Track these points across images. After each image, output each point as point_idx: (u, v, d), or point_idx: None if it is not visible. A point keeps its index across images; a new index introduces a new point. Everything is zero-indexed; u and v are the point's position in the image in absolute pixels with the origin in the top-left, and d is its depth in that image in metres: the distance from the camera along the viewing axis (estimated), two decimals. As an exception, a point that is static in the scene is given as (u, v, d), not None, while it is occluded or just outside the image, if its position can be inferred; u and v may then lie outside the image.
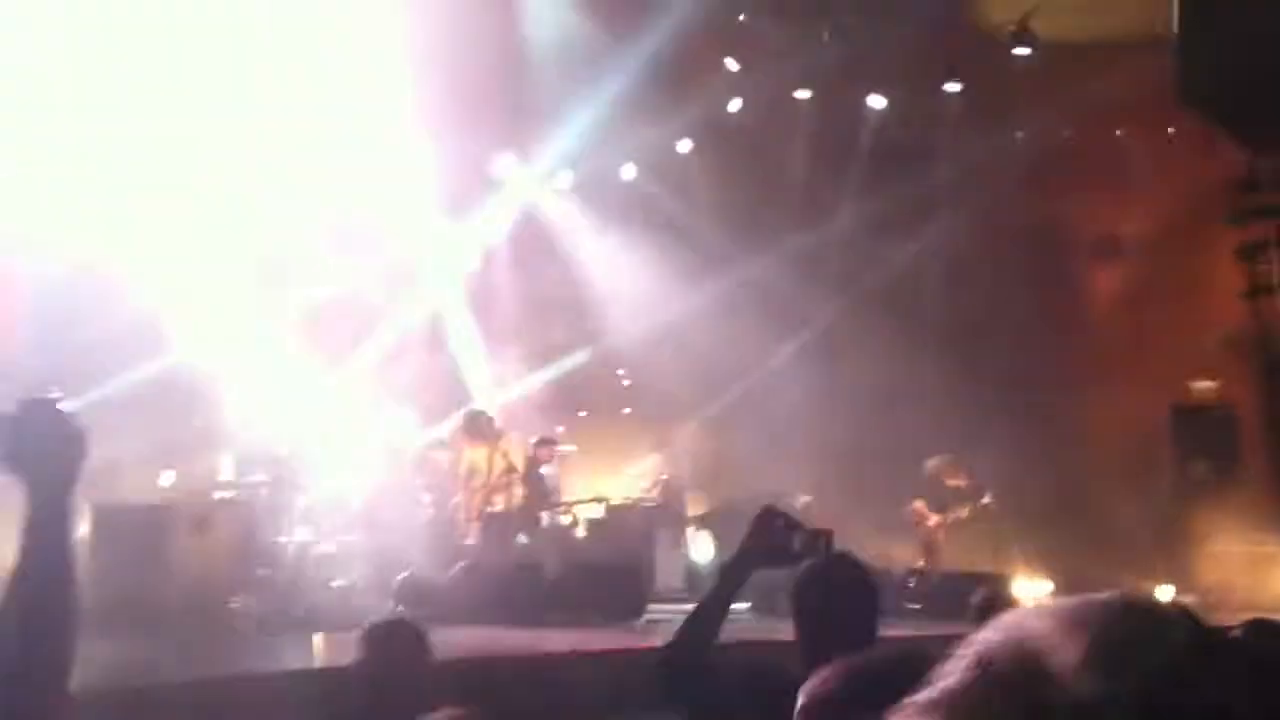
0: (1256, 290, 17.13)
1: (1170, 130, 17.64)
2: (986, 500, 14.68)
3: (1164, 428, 17.08)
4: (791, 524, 3.48)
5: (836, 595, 3.48)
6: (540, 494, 13.60)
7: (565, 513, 14.60)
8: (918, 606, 13.02)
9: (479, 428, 12.47)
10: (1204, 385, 16.92)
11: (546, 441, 13.68)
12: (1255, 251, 17.18)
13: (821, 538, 3.53)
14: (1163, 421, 17.08)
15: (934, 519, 14.85)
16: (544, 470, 13.66)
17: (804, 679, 3.27)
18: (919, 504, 14.91)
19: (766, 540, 3.45)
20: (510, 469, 12.47)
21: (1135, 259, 18.15)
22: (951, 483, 14.90)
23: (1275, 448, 16.38)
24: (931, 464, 15.02)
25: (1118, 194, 18.07)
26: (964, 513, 14.69)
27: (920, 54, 16.52)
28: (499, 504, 12.75)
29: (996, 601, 6.39)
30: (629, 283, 17.57)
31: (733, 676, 3.50)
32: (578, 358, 17.32)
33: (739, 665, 3.60)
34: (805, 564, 3.58)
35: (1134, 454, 16.29)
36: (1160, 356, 17.11)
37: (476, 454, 12.48)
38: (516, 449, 12.84)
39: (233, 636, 9.66)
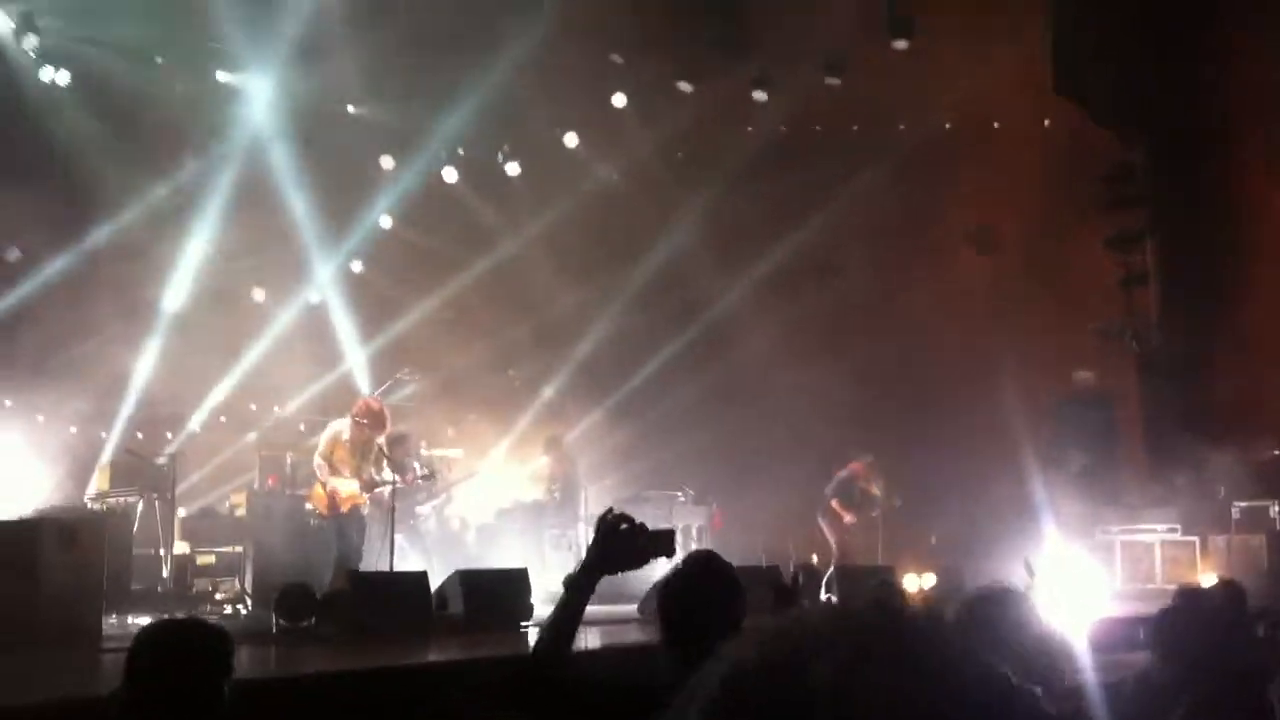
0: (1130, 280, 17.54)
1: (1046, 122, 18.00)
2: (897, 503, 15.27)
3: (1044, 417, 17.39)
4: (635, 528, 3.46)
5: (699, 592, 3.49)
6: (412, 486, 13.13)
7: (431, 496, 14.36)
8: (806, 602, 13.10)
9: (365, 416, 12.02)
10: (1083, 375, 17.24)
11: (400, 438, 13.14)
12: (1127, 242, 17.58)
13: (664, 537, 3.52)
14: (1042, 411, 17.38)
15: (848, 518, 15.17)
16: (408, 461, 13.17)
17: (673, 679, 3.25)
18: (835, 503, 15.23)
19: (611, 546, 3.43)
20: (380, 459, 12.07)
21: (1013, 250, 18.46)
22: (868, 485, 15.36)
23: (1151, 435, 16.78)
24: (852, 465, 15.38)
25: (995, 185, 18.34)
26: (875, 513, 15.23)
27: (800, 47, 16.56)
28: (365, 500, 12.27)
29: (888, 592, 6.49)
30: (511, 281, 17.48)
31: (597, 684, 3.49)
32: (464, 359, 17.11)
33: (607, 671, 3.58)
34: (667, 566, 3.58)
35: (1016, 445, 16.54)
36: (1039, 347, 17.43)
37: (356, 439, 12.01)
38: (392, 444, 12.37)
39: (105, 655, 9.31)
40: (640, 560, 3.42)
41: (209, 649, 3.42)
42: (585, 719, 3.43)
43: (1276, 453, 15.31)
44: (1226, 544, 14.52)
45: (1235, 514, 14.95)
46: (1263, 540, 14.39)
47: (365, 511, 12.07)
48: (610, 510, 3.51)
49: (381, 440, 12.08)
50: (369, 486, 11.98)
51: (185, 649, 3.39)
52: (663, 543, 3.48)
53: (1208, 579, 9.38)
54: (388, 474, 12.05)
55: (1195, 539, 14.74)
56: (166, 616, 10.51)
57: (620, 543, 3.40)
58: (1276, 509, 14.75)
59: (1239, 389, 16.36)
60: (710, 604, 3.44)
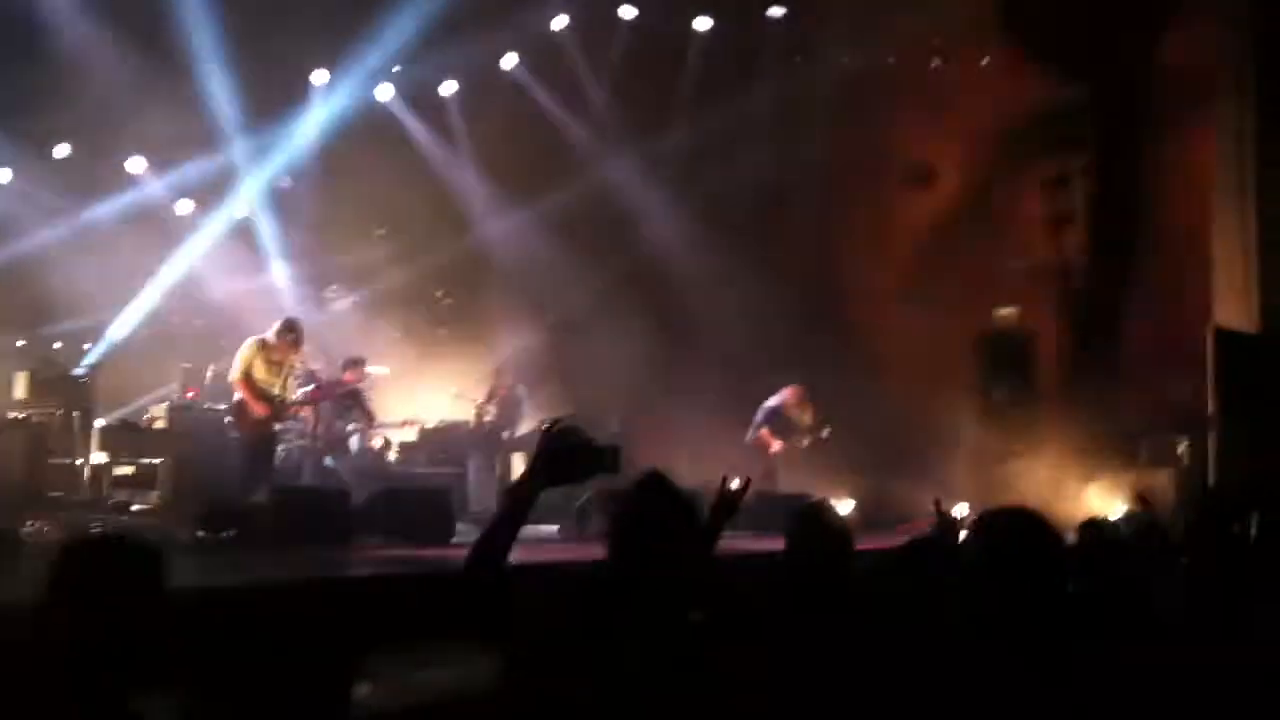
0: (1058, 219, 17.74)
1: (985, 60, 18.05)
2: (826, 434, 15.34)
3: (968, 351, 17.61)
4: (579, 441, 3.42)
5: (653, 515, 3.42)
6: (347, 415, 13.27)
7: (374, 436, 14.40)
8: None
9: (287, 334, 11.93)
10: (1006, 311, 17.47)
11: (354, 362, 13.27)
12: (1060, 182, 17.75)
13: (609, 453, 3.49)
14: (967, 345, 17.61)
15: (776, 446, 15.27)
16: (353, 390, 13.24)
17: (616, 598, 3.25)
18: (764, 431, 15.31)
19: (556, 457, 3.38)
20: (289, 380, 12.02)
21: (946, 186, 18.57)
22: (799, 415, 15.42)
23: (1071, 373, 17.07)
24: (785, 393, 15.44)
25: (932, 122, 18.42)
26: (804, 443, 15.32)
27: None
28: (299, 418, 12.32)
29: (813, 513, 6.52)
30: (445, 201, 17.31)
31: (534, 595, 3.45)
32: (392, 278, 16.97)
33: (543, 585, 3.54)
34: (618, 484, 3.54)
35: (940, 377, 16.77)
36: (966, 283, 17.63)
37: (274, 357, 11.93)
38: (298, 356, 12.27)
39: (24, 560, 9.21)
40: (585, 474, 3.40)
41: (143, 565, 3.16)
42: (520, 631, 3.39)
43: (1187, 393, 15.61)
44: (1135, 478, 14.83)
45: (1145, 449, 15.30)
46: (1168, 476, 14.74)
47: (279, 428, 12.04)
48: (556, 419, 3.48)
49: (296, 360, 12.01)
50: (280, 407, 11.91)
51: (119, 566, 3.12)
52: (608, 458, 3.45)
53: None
54: (297, 393, 12.03)
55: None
56: (93, 529, 10.49)
57: (565, 454, 3.37)
58: (1183, 447, 15.09)
59: (1155, 330, 16.69)
60: (664, 528, 3.37)
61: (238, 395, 11.88)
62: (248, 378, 11.83)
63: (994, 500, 14.17)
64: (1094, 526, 6.77)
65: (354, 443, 14.01)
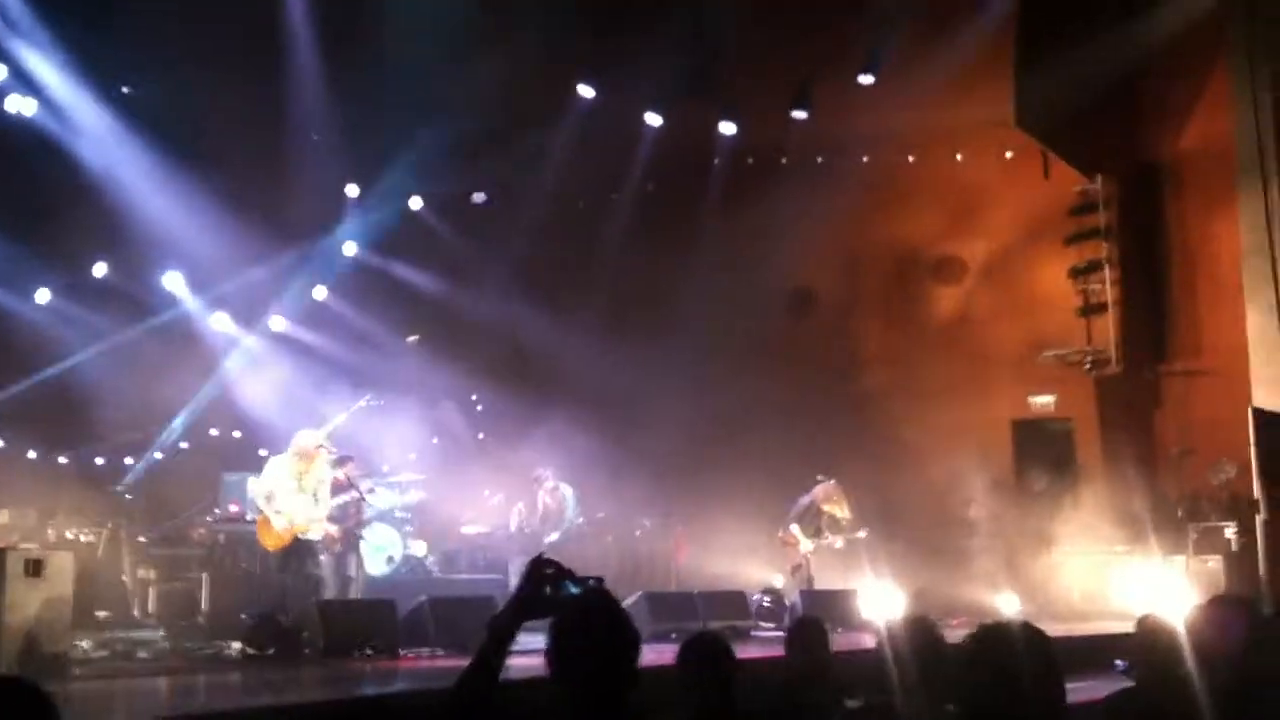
0: (1089, 308, 17.84)
1: (1008, 154, 18.28)
2: (863, 534, 14.71)
3: (1005, 442, 17.60)
4: (562, 573, 3.50)
5: (592, 635, 3.50)
6: (343, 514, 12.91)
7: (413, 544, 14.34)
8: (771, 626, 13.18)
9: (297, 447, 11.91)
10: (1042, 400, 17.50)
11: (343, 460, 12.83)
12: (1088, 271, 17.90)
13: (592, 584, 3.56)
14: (1004, 436, 17.59)
15: (808, 545, 14.61)
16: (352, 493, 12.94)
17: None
18: (794, 528, 14.73)
19: (539, 589, 3.47)
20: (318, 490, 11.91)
21: (975, 279, 18.70)
22: (832, 510, 14.76)
23: (1110, 459, 17.02)
24: (816, 490, 14.80)
25: (958, 216, 18.64)
26: (839, 541, 14.68)
27: (767, 81, 16.75)
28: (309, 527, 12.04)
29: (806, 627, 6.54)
30: (481, 304, 17.52)
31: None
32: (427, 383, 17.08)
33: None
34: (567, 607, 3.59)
35: (978, 468, 16.74)
36: (1000, 373, 17.69)
37: (285, 475, 11.88)
38: (323, 468, 12.16)
39: (69, 684, 9.24)
40: (565, 607, 3.46)
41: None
42: None
43: (1230, 477, 15.55)
44: (1185, 565, 14.75)
45: (1193, 535, 15.21)
46: (1220, 561, 14.64)
47: (317, 540, 11.86)
48: (541, 554, 3.56)
49: (323, 469, 11.97)
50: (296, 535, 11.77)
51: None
52: (589, 593, 3.53)
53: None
54: (323, 506, 11.89)
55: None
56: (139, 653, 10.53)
57: (544, 587, 3.45)
58: (1232, 531, 15.01)
59: (1193, 416, 16.70)
60: (603, 651, 3.43)
61: (262, 515, 11.80)
62: (268, 500, 11.74)
63: (1040, 589, 14.21)
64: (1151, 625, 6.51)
65: (395, 553, 13.98)
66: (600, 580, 3.53)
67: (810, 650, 6.16)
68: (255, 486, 11.95)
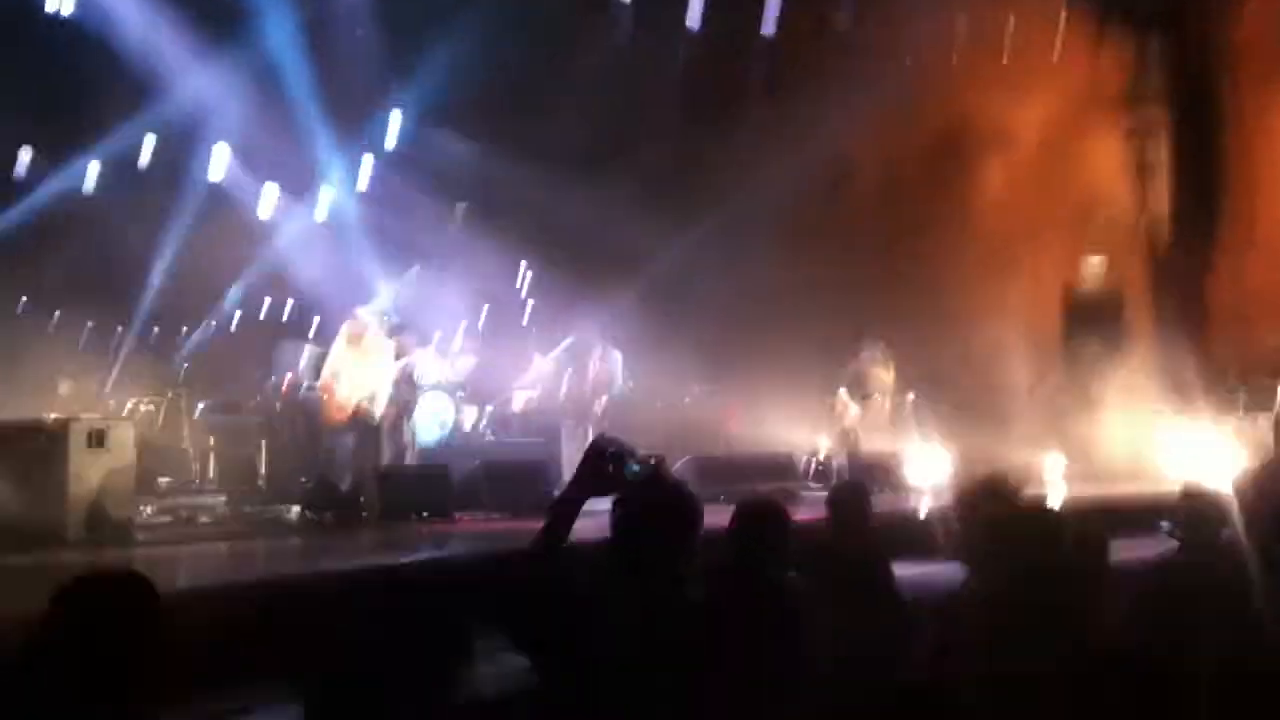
0: (1142, 170, 17.56)
1: (1063, 16, 17.81)
2: (911, 397, 14.82)
3: (1056, 309, 17.47)
4: (624, 452, 3.56)
5: (654, 516, 3.58)
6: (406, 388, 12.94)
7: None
8: (819, 487, 13.34)
9: (353, 326, 12.12)
10: (1093, 264, 17.30)
11: (397, 329, 12.93)
12: (1143, 134, 17.56)
13: (652, 464, 3.63)
14: (1055, 302, 17.45)
15: (855, 408, 14.72)
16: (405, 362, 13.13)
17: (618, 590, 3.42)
18: (842, 392, 14.82)
19: (600, 469, 3.53)
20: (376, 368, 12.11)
21: (1028, 146, 18.38)
22: (878, 374, 14.89)
23: (1162, 325, 16.89)
24: (863, 354, 14.92)
25: (1009, 82, 18.23)
26: (886, 405, 14.79)
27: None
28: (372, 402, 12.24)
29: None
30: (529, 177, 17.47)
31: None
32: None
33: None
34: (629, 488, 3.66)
35: (1029, 334, 16.67)
36: (1050, 240, 17.49)
37: (347, 357, 12.10)
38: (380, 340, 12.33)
39: (133, 549, 9.54)
40: (625, 486, 3.54)
41: (134, 609, 3.02)
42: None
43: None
44: (1235, 427, 14.69)
45: (1243, 396, 15.13)
46: (1270, 418, 14.56)
47: (377, 413, 12.06)
48: (603, 434, 3.62)
49: (381, 340, 12.13)
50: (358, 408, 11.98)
51: (109, 611, 2.97)
52: (651, 474, 3.60)
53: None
54: (387, 376, 12.08)
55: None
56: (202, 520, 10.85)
57: (606, 466, 3.51)
58: (1281, 389, 14.87)
59: (1242, 279, 16.52)
60: (661, 534, 3.52)
61: (325, 387, 12.03)
62: (334, 378, 11.96)
63: (1088, 451, 14.25)
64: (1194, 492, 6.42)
65: (447, 420, 14.15)
66: (661, 459, 3.61)
67: (850, 512, 6.29)
68: (323, 363, 12.15)
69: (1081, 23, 17.74)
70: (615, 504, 3.55)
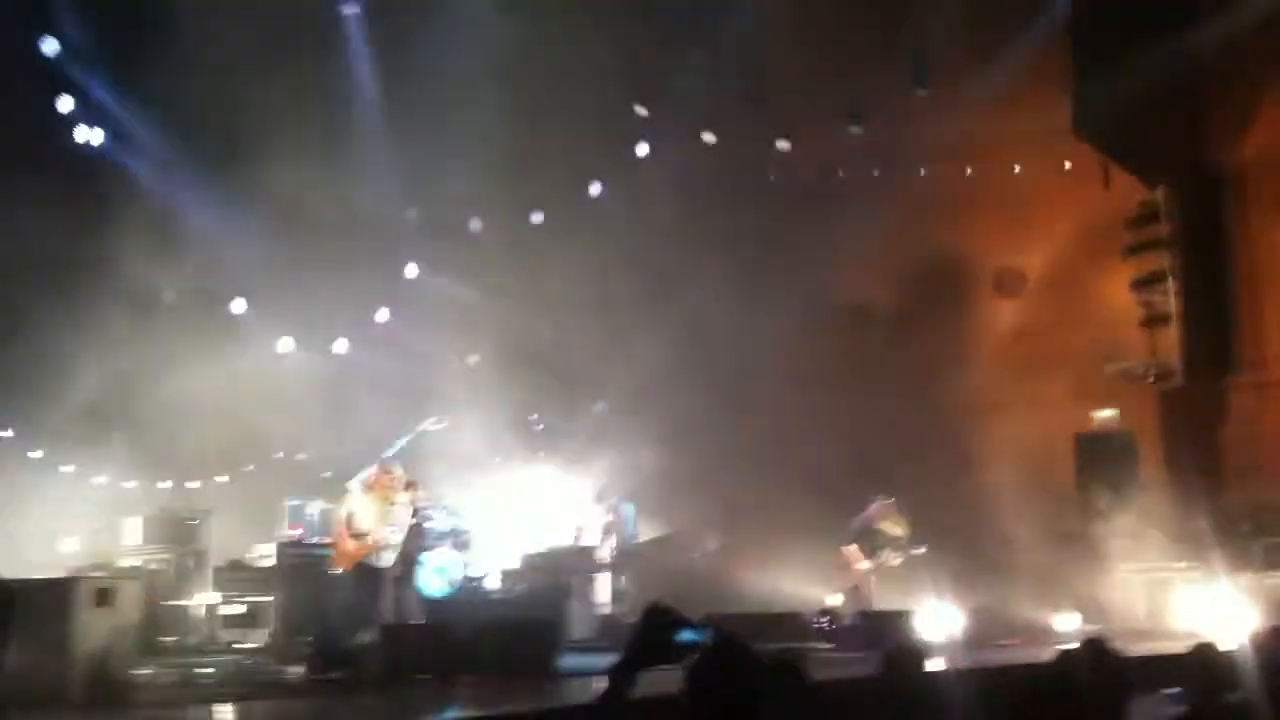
0: (1152, 320, 17.64)
1: (1066, 165, 18.12)
2: (921, 550, 14.70)
3: (1067, 456, 17.44)
4: (677, 620, 3.54)
5: (726, 681, 3.56)
6: (406, 537, 12.90)
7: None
8: (830, 646, 13.17)
9: (374, 477, 12.24)
10: (1105, 413, 17.28)
11: (408, 484, 12.96)
12: (1150, 282, 17.69)
13: (709, 629, 3.60)
14: (1066, 449, 17.43)
15: (865, 564, 14.67)
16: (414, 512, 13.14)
17: None
18: (852, 548, 14.76)
19: (653, 638, 3.51)
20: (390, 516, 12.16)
21: (1035, 291, 18.54)
22: (889, 529, 14.83)
23: (1174, 473, 16.79)
24: (872, 508, 14.87)
25: (1018, 228, 18.50)
26: (897, 559, 14.69)
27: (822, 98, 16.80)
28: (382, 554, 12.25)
29: (905, 652, 6.62)
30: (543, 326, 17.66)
31: None
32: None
33: None
34: (696, 653, 3.64)
35: (1038, 483, 16.59)
36: (1061, 387, 17.52)
37: (364, 501, 12.17)
38: (400, 496, 12.42)
39: (136, 711, 9.47)
40: (678, 656, 3.52)
41: None
42: None
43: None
44: (1250, 583, 14.49)
45: (1258, 552, 14.95)
46: (1284, 580, 14.37)
47: (384, 565, 12.10)
48: (657, 603, 3.61)
49: (397, 498, 12.23)
50: (381, 545, 12.05)
51: None
52: (698, 647, 3.58)
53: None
54: (395, 532, 12.15)
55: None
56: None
57: (660, 635, 3.50)
58: (1299, 546, 14.73)
59: (1260, 428, 16.45)
60: (732, 699, 3.54)
61: (336, 537, 12.12)
62: (348, 521, 12.06)
63: (1104, 609, 14.04)
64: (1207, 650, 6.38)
65: (455, 575, 14.11)
66: (713, 625, 3.59)
67: (909, 674, 6.24)
68: (332, 517, 12.22)
69: (1087, 170, 18.01)
70: (692, 673, 3.53)
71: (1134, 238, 17.89)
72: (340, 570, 12.14)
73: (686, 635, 3.51)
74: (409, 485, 12.81)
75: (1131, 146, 17.56)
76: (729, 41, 16.16)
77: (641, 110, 16.98)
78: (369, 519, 12.02)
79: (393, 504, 12.17)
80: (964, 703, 6.12)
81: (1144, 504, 16.19)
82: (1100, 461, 17.09)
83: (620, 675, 3.50)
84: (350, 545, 12.02)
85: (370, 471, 12.44)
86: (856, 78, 16.97)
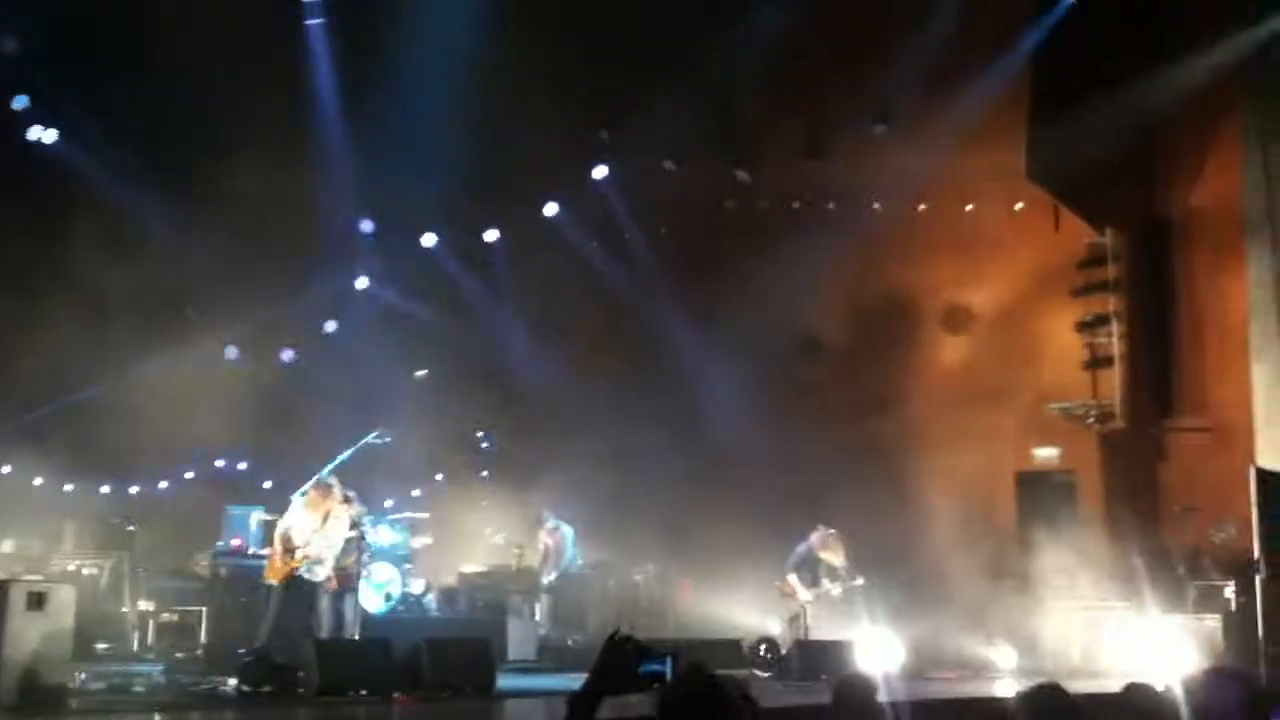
0: (1095, 362, 17.89)
1: (1018, 206, 18.36)
2: (860, 581, 14.74)
3: (1008, 493, 17.61)
4: (640, 649, 3.55)
5: (700, 710, 3.57)
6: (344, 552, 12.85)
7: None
8: (768, 675, 13.21)
9: (320, 493, 12.05)
10: (1046, 452, 17.50)
11: (346, 498, 12.85)
12: (1095, 324, 17.94)
13: (670, 660, 3.61)
14: (1007, 487, 17.60)
15: (805, 594, 14.68)
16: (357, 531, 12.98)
17: None
18: (793, 577, 14.78)
19: (616, 666, 3.52)
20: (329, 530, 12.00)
21: (982, 329, 18.74)
22: (830, 559, 14.83)
23: (1112, 513, 17.02)
24: (814, 538, 14.86)
25: (968, 265, 18.71)
26: (836, 589, 14.72)
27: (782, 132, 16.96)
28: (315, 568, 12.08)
29: (853, 683, 6.65)
30: (487, 343, 17.64)
31: None
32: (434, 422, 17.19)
33: None
34: (663, 685, 3.64)
35: (978, 518, 16.76)
36: (1005, 424, 17.72)
37: (302, 515, 12.00)
38: (337, 509, 12.24)
39: (67, 717, 9.33)
40: (641, 685, 3.53)
41: None
42: None
43: (1232, 535, 15.54)
44: (1184, 623, 14.70)
45: (1193, 593, 15.16)
46: (1219, 620, 14.58)
47: (317, 579, 11.90)
48: (618, 629, 3.62)
49: (334, 512, 12.07)
50: (314, 558, 11.85)
51: None
52: (668, 668, 3.59)
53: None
54: (336, 545, 11.98)
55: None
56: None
57: (623, 664, 3.51)
58: (1231, 590, 14.95)
59: (1198, 472, 16.70)
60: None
61: (273, 552, 11.93)
62: (285, 534, 11.88)
63: (1037, 643, 14.17)
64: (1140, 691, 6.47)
65: (394, 591, 14.04)
66: (677, 655, 3.59)
67: (859, 705, 6.26)
68: (272, 529, 12.06)
69: (1037, 212, 18.26)
70: (662, 706, 3.55)
71: (1082, 279, 18.14)
72: (274, 583, 11.93)
73: (650, 665, 3.52)
74: (346, 500, 12.66)
75: (1082, 191, 17.80)
76: (695, 72, 16.27)
77: (603, 134, 17.04)
78: (304, 533, 11.84)
79: (329, 518, 11.97)
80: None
81: (1081, 542, 16.42)
82: (1040, 499, 17.32)
83: (581, 703, 3.50)
84: (281, 559, 11.80)
85: (309, 488, 12.26)
86: (818, 112, 17.13)
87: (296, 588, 11.72)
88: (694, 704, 3.54)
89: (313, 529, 11.84)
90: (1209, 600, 15.02)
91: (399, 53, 15.52)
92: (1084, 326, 18.02)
